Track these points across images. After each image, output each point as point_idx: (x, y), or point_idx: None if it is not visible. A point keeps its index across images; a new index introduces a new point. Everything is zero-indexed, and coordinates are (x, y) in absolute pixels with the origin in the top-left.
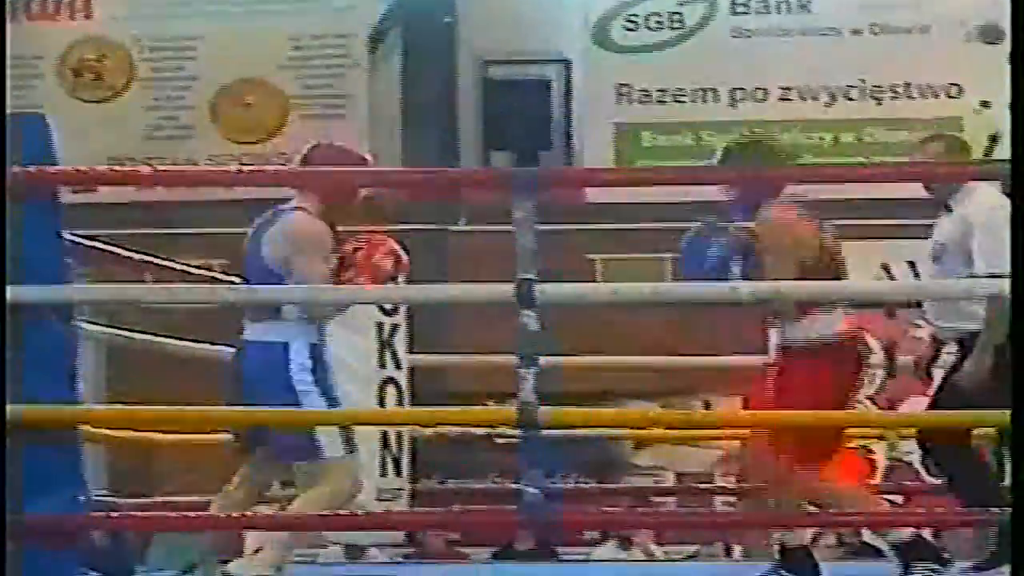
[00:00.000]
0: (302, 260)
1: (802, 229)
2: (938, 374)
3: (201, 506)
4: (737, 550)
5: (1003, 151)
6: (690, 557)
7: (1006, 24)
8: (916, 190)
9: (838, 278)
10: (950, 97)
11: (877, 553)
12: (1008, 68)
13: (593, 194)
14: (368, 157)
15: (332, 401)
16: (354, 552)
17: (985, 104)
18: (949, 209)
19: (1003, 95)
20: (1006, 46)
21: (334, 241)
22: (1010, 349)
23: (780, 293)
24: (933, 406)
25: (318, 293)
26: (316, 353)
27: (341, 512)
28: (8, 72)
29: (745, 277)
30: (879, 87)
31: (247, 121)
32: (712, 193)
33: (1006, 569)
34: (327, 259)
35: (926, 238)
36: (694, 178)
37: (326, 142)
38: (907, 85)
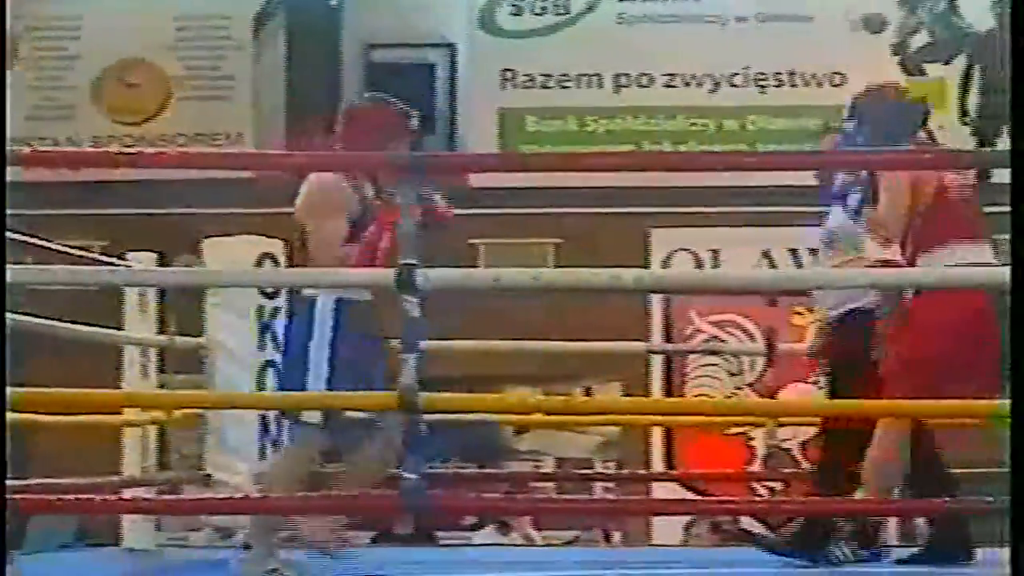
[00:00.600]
0: (315, 218)
1: (922, 176)
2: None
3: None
4: (616, 536)
5: None
6: (569, 543)
7: (889, 13)
8: (802, 178)
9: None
10: (834, 86)
11: (754, 540)
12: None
13: (477, 179)
14: (409, 117)
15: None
16: (228, 535)
17: None
18: (843, 199)
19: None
20: (889, 35)
21: (365, 199)
22: (1010, 347)
23: (664, 282)
24: (832, 391)
25: (186, 277)
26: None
27: (218, 496)
28: (8, 71)
29: (858, 210)
30: (763, 75)
31: (130, 102)
32: (599, 179)
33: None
34: (343, 218)
35: (809, 226)
36: (578, 164)
37: (367, 101)
38: (791, 73)
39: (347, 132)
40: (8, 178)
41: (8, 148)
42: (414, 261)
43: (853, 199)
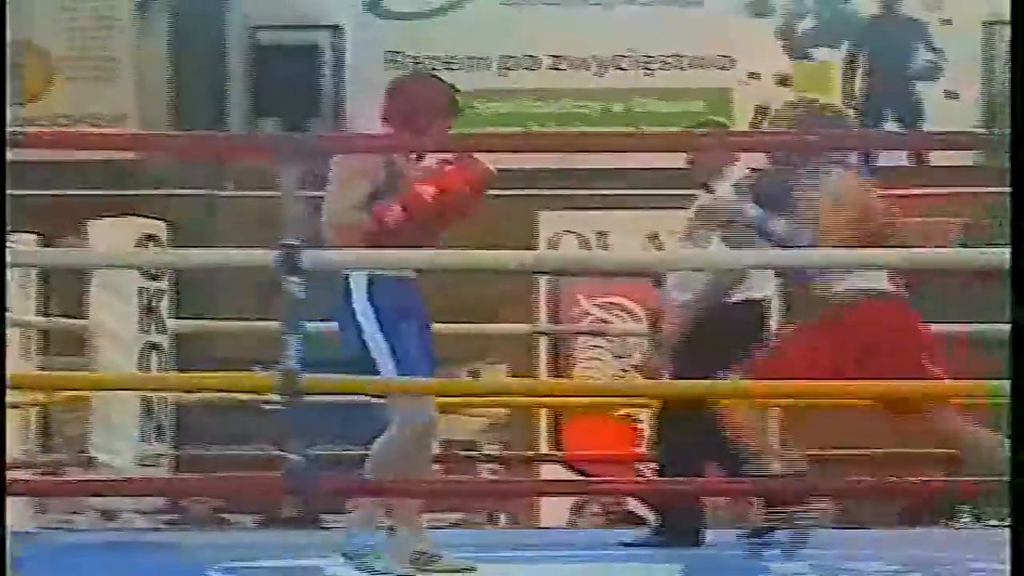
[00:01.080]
0: (337, 179)
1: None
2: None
3: None
4: (503, 518)
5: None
6: (455, 525)
7: None
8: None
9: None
10: (720, 69)
11: (641, 522)
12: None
13: None
14: (454, 94)
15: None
16: (111, 517)
17: (754, 76)
18: (708, 188)
19: (771, 67)
20: (775, 19)
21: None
22: (1010, 344)
23: (550, 264)
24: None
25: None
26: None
27: (101, 478)
28: (8, 71)
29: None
30: (649, 57)
31: (13, 83)
32: (485, 161)
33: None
34: (365, 184)
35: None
36: (464, 146)
37: (412, 76)
38: (677, 56)
39: (391, 106)
40: None
41: (7, 146)
42: (297, 242)
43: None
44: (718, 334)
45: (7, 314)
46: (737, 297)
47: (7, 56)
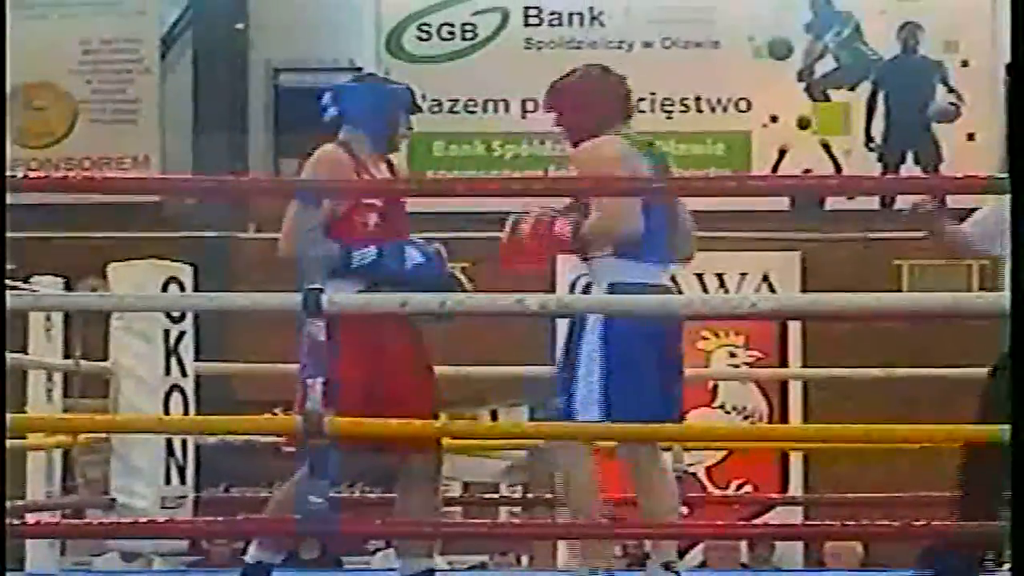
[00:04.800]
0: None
1: None
2: None
3: None
4: (524, 560)
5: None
6: (474, 568)
7: (795, 40)
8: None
9: None
10: (739, 111)
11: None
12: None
13: None
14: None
15: None
16: (132, 559)
17: (774, 119)
18: None
19: (790, 109)
20: (795, 61)
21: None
22: (1010, 351)
23: (569, 307)
24: None
25: (92, 301)
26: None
27: (123, 520)
28: (8, 72)
29: None
30: (669, 100)
31: (36, 125)
32: (506, 204)
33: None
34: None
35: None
36: (485, 188)
37: (588, 69)
38: (697, 99)
39: (555, 104)
40: None
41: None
42: (319, 285)
43: None
44: None
45: (30, 357)
46: None
47: (7, 56)
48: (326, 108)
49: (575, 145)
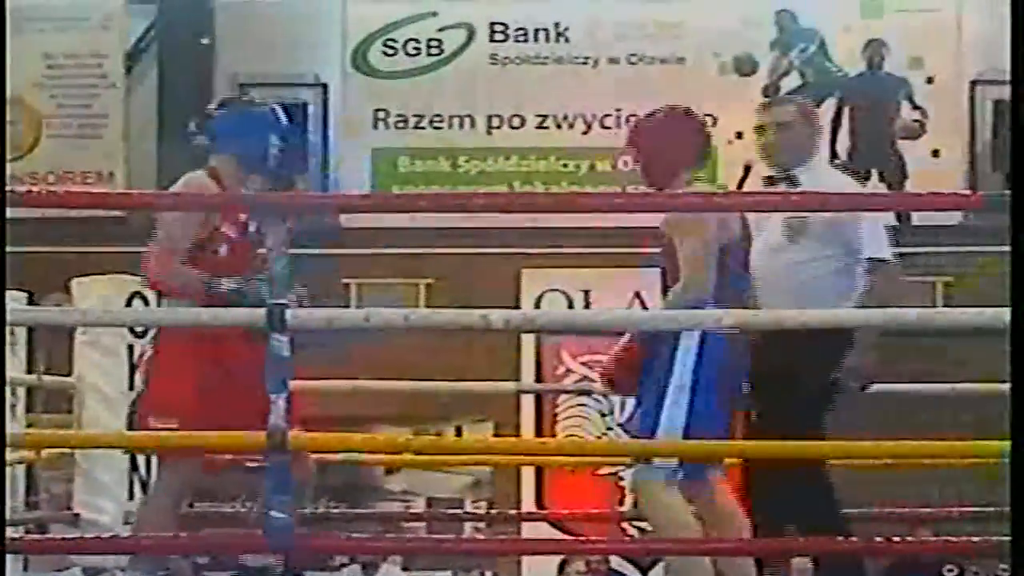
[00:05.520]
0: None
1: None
2: None
3: None
4: None
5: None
6: None
7: (760, 56)
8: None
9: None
10: None
11: None
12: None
13: (349, 219)
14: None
15: None
16: (96, 575)
17: (739, 135)
18: None
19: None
20: (761, 78)
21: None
22: (1010, 353)
23: (534, 323)
24: None
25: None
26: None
27: (86, 536)
28: (8, 72)
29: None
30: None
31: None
32: (471, 220)
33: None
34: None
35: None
36: (450, 204)
37: (672, 110)
38: None
39: (635, 142)
40: None
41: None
42: (284, 300)
43: None
44: None
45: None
46: None
47: (7, 56)
48: (195, 136)
49: (650, 185)
